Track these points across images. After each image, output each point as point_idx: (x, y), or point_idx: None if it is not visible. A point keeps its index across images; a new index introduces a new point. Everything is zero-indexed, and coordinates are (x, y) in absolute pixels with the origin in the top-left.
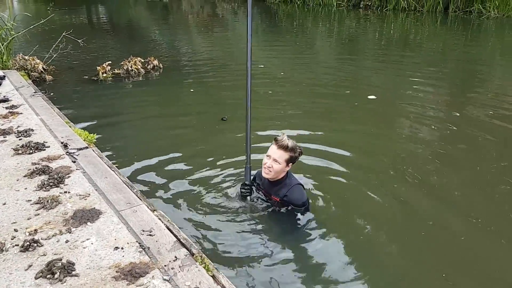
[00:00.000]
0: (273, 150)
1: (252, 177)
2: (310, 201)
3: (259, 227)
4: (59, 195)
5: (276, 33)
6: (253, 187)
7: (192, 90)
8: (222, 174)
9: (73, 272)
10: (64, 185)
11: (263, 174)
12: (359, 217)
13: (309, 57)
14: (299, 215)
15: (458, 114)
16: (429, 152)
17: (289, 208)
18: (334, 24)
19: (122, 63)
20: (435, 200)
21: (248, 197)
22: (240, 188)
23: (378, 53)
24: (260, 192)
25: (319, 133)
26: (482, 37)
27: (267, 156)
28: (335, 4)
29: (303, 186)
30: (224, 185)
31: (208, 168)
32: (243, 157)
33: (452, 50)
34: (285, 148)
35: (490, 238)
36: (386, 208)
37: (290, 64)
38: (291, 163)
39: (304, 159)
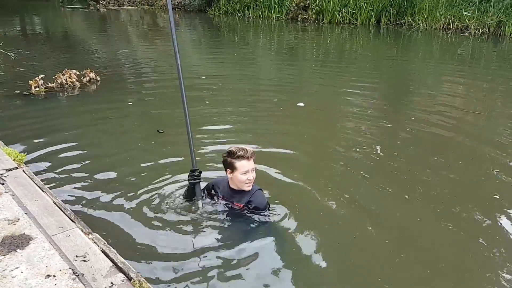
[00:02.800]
0: (248, 163)
1: (204, 187)
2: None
3: (208, 240)
4: None
5: (218, 44)
6: (200, 174)
7: (130, 103)
8: (162, 188)
9: None
10: None
11: (246, 188)
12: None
13: (249, 68)
14: (257, 218)
15: (389, 124)
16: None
17: (249, 213)
18: (274, 36)
19: (56, 76)
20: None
21: (196, 186)
22: (188, 176)
23: (314, 64)
24: (219, 200)
25: (259, 137)
26: (412, 48)
27: (246, 172)
28: (274, 17)
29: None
30: (165, 200)
31: (147, 183)
32: (183, 172)
33: (385, 60)
34: (252, 156)
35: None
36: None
37: (230, 74)
38: None
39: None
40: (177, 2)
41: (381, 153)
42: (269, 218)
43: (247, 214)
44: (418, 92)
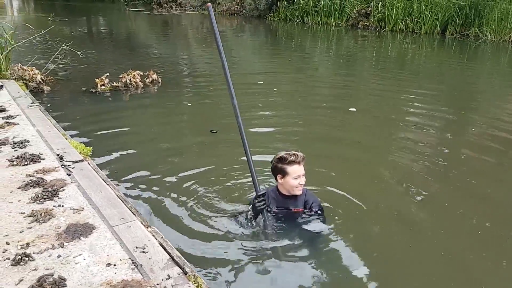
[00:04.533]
0: (299, 168)
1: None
2: None
3: (265, 244)
4: (53, 209)
5: (276, 50)
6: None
7: (189, 104)
8: (219, 189)
9: None
10: (58, 198)
11: (297, 192)
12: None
13: (305, 74)
14: (315, 221)
15: (449, 135)
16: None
17: (307, 215)
18: (333, 43)
19: (120, 76)
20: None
21: (264, 211)
22: (254, 202)
23: (375, 72)
24: (272, 212)
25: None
26: (478, 60)
27: (297, 177)
28: (333, 23)
29: None
30: (222, 200)
31: (204, 183)
32: (239, 171)
33: (448, 71)
34: (303, 160)
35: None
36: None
37: (286, 80)
38: None
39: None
40: (237, 8)
41: (438, 165)
42: (325, 220)
43: (305, 216)
44: (483, 106)
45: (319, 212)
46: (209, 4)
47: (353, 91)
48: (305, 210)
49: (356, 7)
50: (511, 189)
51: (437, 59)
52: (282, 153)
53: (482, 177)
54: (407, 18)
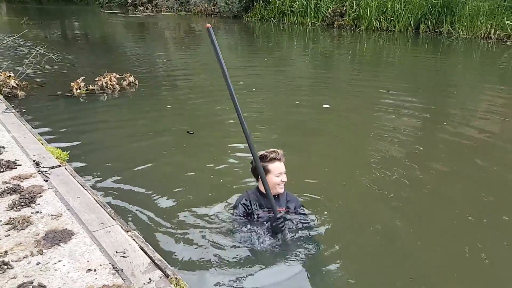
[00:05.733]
0: (281, 165)
1: (242, 204)
2: None
3: (244, 247)
4: (31, 215)
5: (253, 49)
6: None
7: (168, 106)
8: (199, 190)
9: None
10: (36, 205)
11: (280, 190)
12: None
13: (282, 72)
14: (299, 219)
15: (423, 133)
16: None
17: (290, 215)
18: (309, 42)
19: (96, 79)
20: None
21: (285, 230)
22: (273, 225)
23: (351, 69)
24: (258, 213)
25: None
26: (451, 56)
27: (279, 174)
28: (309, 23)
29: None
30: (203, 201)
31: (184, 184)
32: (218, 172)
33: (422, 68)
34: (283, 157)
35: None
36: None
37: (265, 79)
38: None
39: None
40: (213, 8)
41: (412, 161)
42: (309, 218)
43: (288, 216)
44: (455, 101)
45: (305, 211)
46: (209, 25)
47: (330, 88)
48: (287, 210)
49: (331, 7)
50: (482, 187)
51: (411, 56)
52: (262, 152)
53: (452, 178)
54: (381, 16)
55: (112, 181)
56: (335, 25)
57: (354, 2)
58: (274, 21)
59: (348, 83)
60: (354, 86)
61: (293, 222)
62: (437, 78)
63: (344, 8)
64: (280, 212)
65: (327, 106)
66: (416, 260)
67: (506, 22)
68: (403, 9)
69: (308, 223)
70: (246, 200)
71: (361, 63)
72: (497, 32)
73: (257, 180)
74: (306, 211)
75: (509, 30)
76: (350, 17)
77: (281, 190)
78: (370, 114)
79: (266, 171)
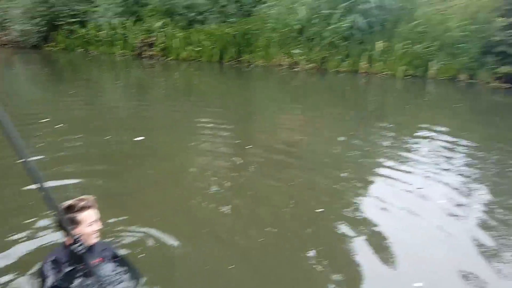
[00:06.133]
0: (93, 212)
1: (52, 260)
2: None
3: None
4: None
5: (59, 81)
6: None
7: None
8: None
9: None
10: None
11: (94, 240)
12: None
13: (91, 105)
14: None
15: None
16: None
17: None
18: (119, 72)
19: None
20: None
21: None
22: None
23: (164, 98)
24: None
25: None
26: (251, 82)
27: (92, 223)
28: (118, 53)
29: None
30: None
31: None
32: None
33: (227, 94)
34: (95, 203)
35: None
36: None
37: (72, 113)
38: None
39: None
40: (8, 39)
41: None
42: (127, 263)
43: (107, 265)
44: (260, 122)
45: (122, 258)
46: None
47: (142, 118)
48: (104, 259)
49: (139, 37)
50: (285, 203)
51: (218, 83)
52: (69, 202)
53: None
54: (189, 47)
55: None
56: (145, 55)
57: (162, 33)
58: (80, 50)
59: (162, 113)
60: (168, 118)
61: (112, 271)
62: (242, 102)
63: (153, 38)
64: (96, 263)
65: (142, 138)
66: None
67: (292, 51)
68: (207, 41)
69: (127, 269)
70: (56, 261)
71: (172, 91)
72: (288, 59)
73: (65, 235)
74: (122, 257)
75: (297, 57)
76: (159, 48)
77: (96, 240)
78: (185, 143)
79: (76, 222)
